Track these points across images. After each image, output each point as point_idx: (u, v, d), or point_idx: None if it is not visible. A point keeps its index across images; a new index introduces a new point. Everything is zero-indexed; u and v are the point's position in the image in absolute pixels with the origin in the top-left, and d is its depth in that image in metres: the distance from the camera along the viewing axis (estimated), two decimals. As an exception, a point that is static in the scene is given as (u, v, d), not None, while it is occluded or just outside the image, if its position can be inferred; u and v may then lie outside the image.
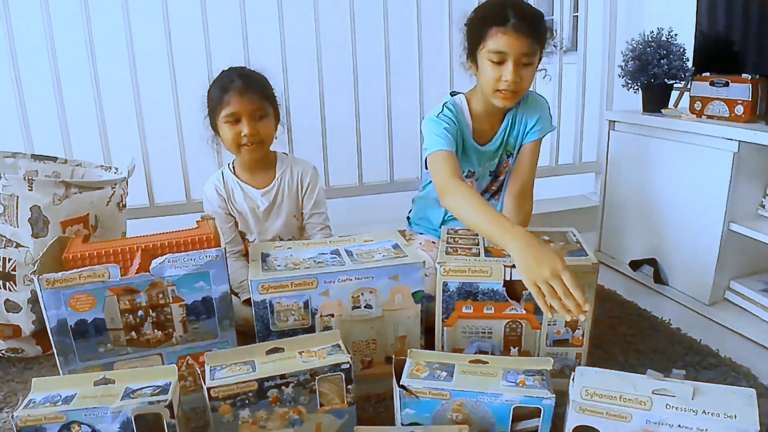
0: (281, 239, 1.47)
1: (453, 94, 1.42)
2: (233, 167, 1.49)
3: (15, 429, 0.84)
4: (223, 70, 1.42)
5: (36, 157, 1.48)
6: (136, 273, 1.04)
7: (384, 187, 1.94)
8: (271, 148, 1.47)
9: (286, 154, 1.53)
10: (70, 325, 1.01)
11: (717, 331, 1.43)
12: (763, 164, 1.42)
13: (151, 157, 1.70)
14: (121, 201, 1.41)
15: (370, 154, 1.87)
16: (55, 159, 1.50)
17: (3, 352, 1.33)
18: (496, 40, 1.22)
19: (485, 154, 1.42)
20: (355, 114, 1.84)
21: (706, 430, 0.83)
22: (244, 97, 1.34)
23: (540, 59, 1.30)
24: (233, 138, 1.36)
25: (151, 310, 1.05)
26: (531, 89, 1.37)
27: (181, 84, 1.67)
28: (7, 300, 1.28)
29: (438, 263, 1.06)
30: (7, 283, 1.28)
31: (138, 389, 0.90)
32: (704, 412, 0.84)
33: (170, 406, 0.87)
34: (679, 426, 0.84)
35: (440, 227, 1.42)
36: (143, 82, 1.65)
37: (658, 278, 1.61)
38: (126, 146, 1.64)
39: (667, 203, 1.61)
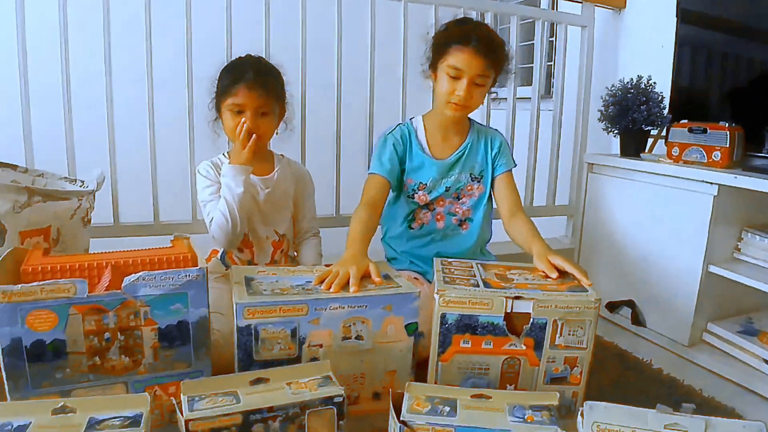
0: (276, 233, 1.45)
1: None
2: (228, 155, 1.45)
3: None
4: (239, 57, 1.44)
5: (-6, 163, 1.36)
6: (106, 290, 0.94)
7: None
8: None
9: (282, 155, 1.53)
10: (25, 346, 0.89)
11: (698, 372, 1.42)
12: (739, 208, 1.45)
13: (118, 173, 1.58)
14: (87, 215, 1.30)
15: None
16: (15, 167, 1.38)
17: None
18: (456, 57, 1.33)
19: (441, 167, 1.46)
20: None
21: (720, 468, 0.80)
22: (252, 91, 1.34)
23: (494, 82, 1.42)
24: (233, 127, 1.37)
25: (119, 333, 0.94)
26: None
27: (158, 98, 1.58)
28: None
29: (437, 293, 1.01)
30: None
31: (104, 420, 0.79)
32: (717, 449, 0.80)
33: (141, 441, 0.77)
34: (693, 465, 0.80)
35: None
36: (117, 92, 1.55)
37: (636, 320, 1.60)
38: (92, 161, 1.52)
39: (645, 245, 1.63)
